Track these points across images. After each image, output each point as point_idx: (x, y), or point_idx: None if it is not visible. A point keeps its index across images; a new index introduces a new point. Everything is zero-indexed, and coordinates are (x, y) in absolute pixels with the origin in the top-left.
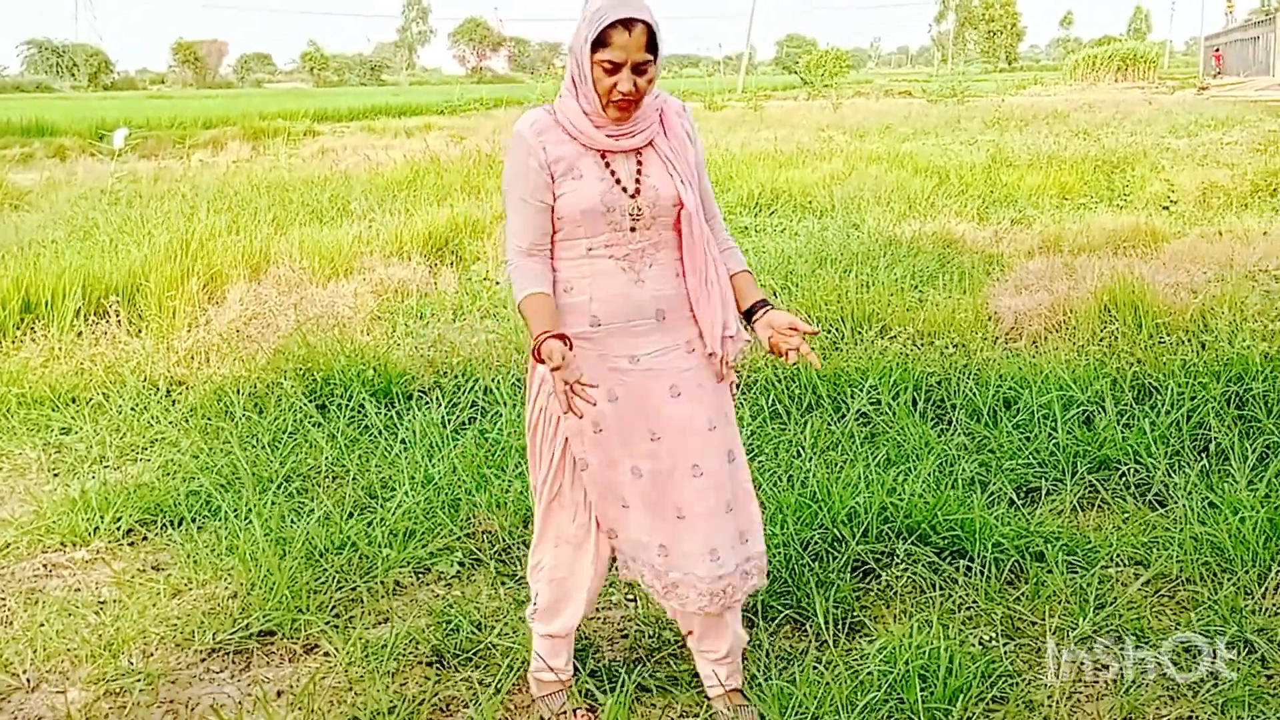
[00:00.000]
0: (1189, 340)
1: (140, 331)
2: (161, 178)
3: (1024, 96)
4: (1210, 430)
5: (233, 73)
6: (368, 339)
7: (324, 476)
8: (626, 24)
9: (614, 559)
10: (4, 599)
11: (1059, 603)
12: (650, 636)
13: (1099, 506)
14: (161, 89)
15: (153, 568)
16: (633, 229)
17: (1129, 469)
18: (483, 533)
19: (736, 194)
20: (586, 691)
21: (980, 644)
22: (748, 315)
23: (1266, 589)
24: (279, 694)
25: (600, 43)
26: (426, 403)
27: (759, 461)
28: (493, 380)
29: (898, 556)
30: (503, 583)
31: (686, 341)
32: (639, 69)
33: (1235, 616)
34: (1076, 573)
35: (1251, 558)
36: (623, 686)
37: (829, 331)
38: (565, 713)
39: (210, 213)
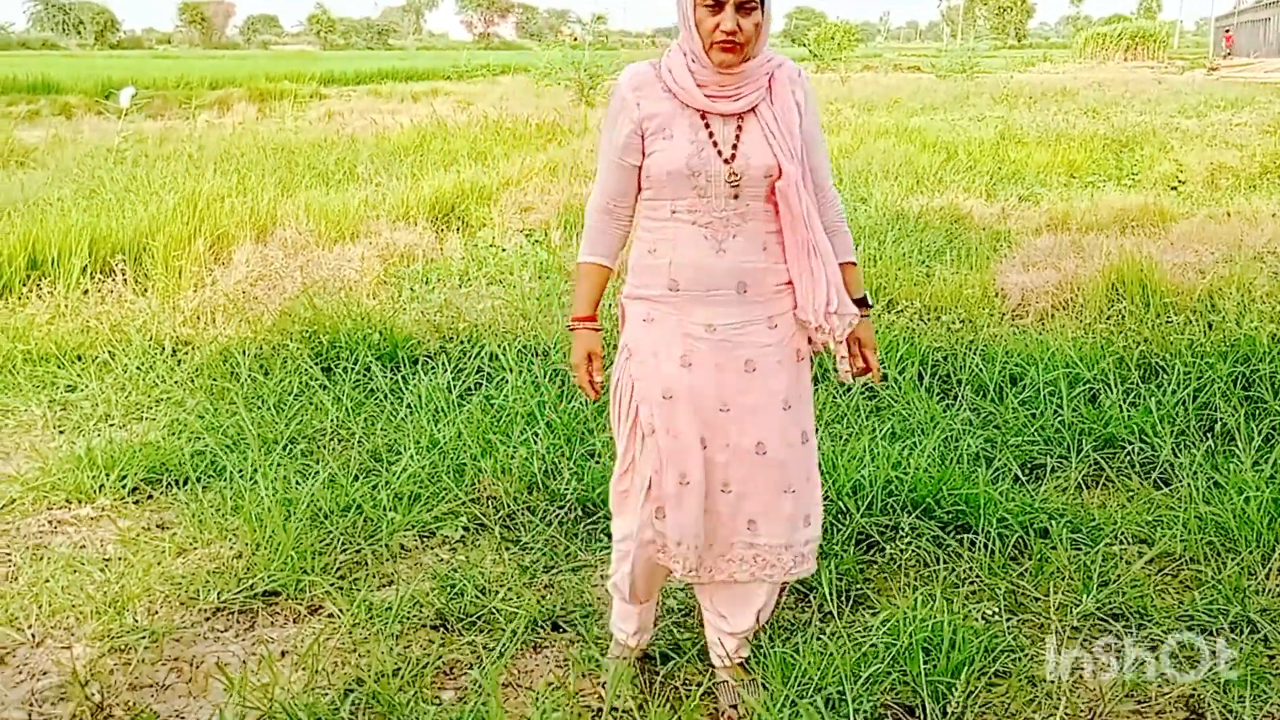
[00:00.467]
0: (1196, 320)
1: (146, 291)
2: (168, 138)
3: (1033, 74)
4: (1216, 410)
5: (239, 34)
6: (374, 303)
7: (329, 439)
8: None
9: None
10: (9, 554)
11: (1062, 579)
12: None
13: (1104, 484)
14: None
15: (158, 526)
16: (726, 196)
17: (1134, 448)
18: (488, 498)
19: None
20: (593, 659)
21: (983, 619)
22: None
23: (1270, 570)
24: (283, 654)
25: None
26: (432, 368)
27: None
28: (499, 346)
29: (902, 530)
30: (507, 548)
31: (769, 317)
32: (743, 7)
33: (1238, 596)
34: (1080, 550)
35: (1255, 538)
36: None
37: None
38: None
39: (217, 174)
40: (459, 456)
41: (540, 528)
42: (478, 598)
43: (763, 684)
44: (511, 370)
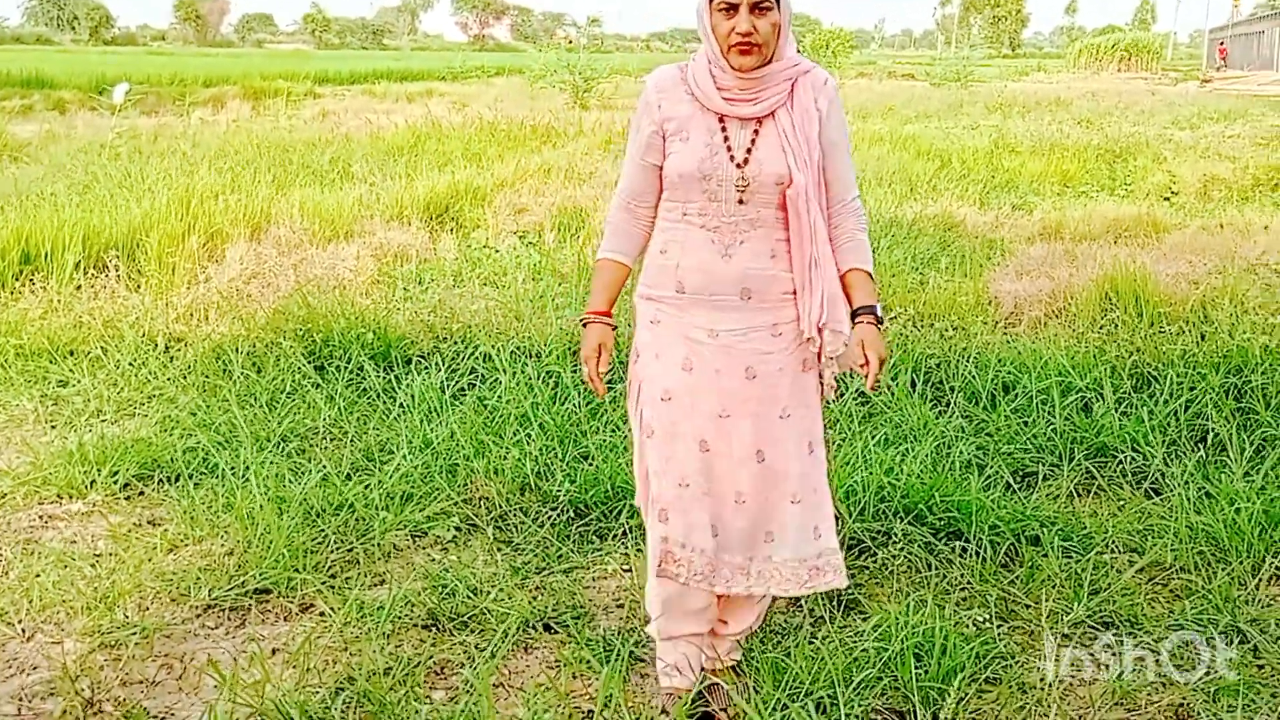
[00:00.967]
0: (1189, 331)
1: (139, 287)
2: (162, 134)
3: (1027, 83)
4: (1208, 421)
5: (234, 32)
6: (367, 302)
7: (322, 437)
8: None
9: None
10: (0, 549)
11: (1053, 587)
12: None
13: (1095, 493)
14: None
15: (149, 522)
16: (734, 201)
17: (1126, 457)
18: (480, 499)
19: None
20: (583, 661)
21: (974, 625)
22: (851, 316)
23: (1260, 580)
24: (274, 651)
25: None
26: (425, 367)
27: None
28: (493, 347)
29: (894, 536)
30: (499, 549)
31: (773, 325)
32: (758, 8)
33: (1228, 606)
34: (1071, 558)
35: (1246, 549)
36: (618, 656)
37: None
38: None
39: (211, 171)
40: (452, 457)
41: (532, 529)
42: (469, 598)
43: (754, 687)
44: (505, 371)
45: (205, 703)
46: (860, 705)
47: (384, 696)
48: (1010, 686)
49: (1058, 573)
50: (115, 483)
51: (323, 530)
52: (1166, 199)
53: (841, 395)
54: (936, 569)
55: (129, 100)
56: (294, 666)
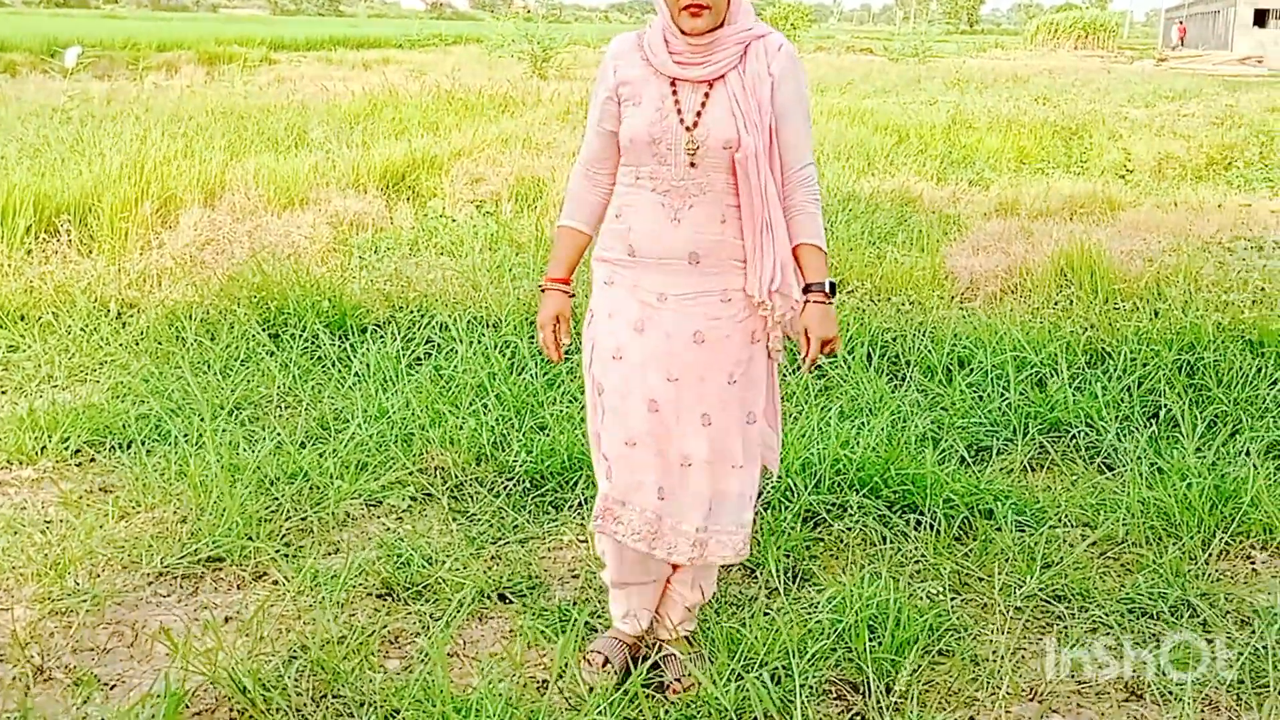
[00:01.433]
0: (1143, 307)
1: (91, 252)
2: (114, 99)
3: (984, 59)
4: (1161, 397)
5: None
6: (323, 270)
7: (276, 406)
8: None
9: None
10: None
11: (1006, 561)
12: (601, 577)
13: (1049, 467)
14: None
15: (100, 489)
16: (685, 165)
17: (1079, 432)
18: (435, 468)
19: None
20: (538, 630)
21: (928, 598)
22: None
23: (1210, 554)
24: (227, 620)
25: None
26: (381, 336)
27: None
28: (450, 317)
29: (849, 509)
30: (454, 519)
31: (723, 290)
32: None
33: (1179, 581)
34: (1025, 531)
35: (1197, 524)
36: (574, 626)
37: None
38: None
39: (164, 136)
40: (407, 426)
41: (488, 499)
42: (424, 567)
43: (709, 657)
44: (461, 341)
45: (157, 670)
46: (815, 676)
47: (338, 665)
48: (963, 658)
49: (1011, 546)
50: (66, 449)
51: (276, 499)
52: (1122, 177)
53: (797, 370)
54: (891, 542)
55: (81, 64)
56: (247, 635)
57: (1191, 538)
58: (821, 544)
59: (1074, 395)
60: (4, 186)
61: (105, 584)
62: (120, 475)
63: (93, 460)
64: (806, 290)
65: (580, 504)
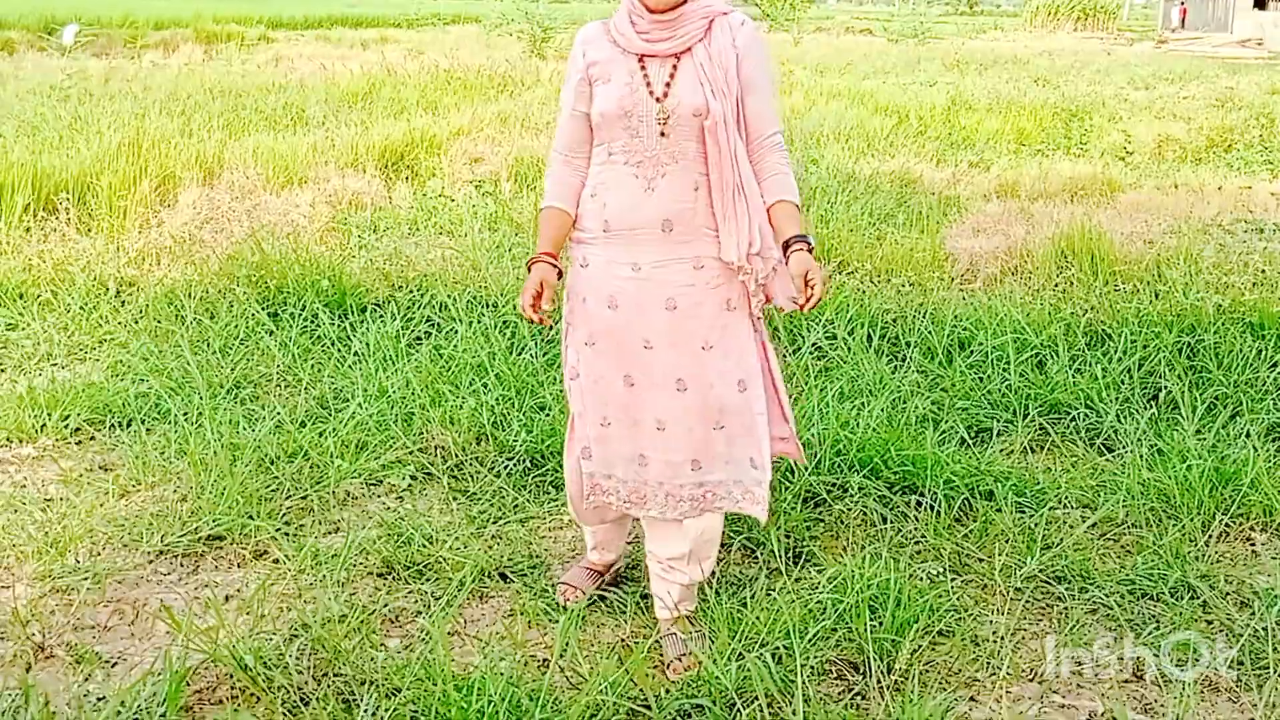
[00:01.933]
0: (1143, 289)
1: (90, 230)
2: (112, 77)
3: (984, 41)
4: (1161, 379)
5: None
6: (322, 249)
7: (275, 385)
8: None
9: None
10: None
11: (1006, 542)
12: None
13: (1049, 449)
14: None
15: (100, 468)
16: (656, 135)
17: (1080, 413)
18: (436, 448)
19: None
20: (539, 610)
21: (929, 579)
22: (784, 248)
23: (1210, 536)
24: (227, 598)
25: None
26: (381, 316)
27: None
28: (449, 296)
29: (850, 489)
30: (454, 498)
31: (695, 257)
32: None
33: (1179, 562)
34: (1025, 513)
35: (1197, 505)
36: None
37: None
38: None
39: (163, 114)
40: (407, 405)
41: (488, 479)
42: (424, 547)
43: (710, 637)
44: (461, 321)
45: (158, 648)
46: (816, 656)
47: (338, 644)
48: (963, 639)
49: (1011, 527)
50: (66, 427)
51: (277, 477)
52: (1122, 159)
53: (798, 350)
54: (891, 523)
55: (79, 41)
56: (248, 613)
57: (1191, 519)
58: (822, 524)
59: (1074, 377)
60: (2, 164)
61: (106, 562)
62: (120, 453)
63: (92, 438)
64: (789, 245)
65: None
